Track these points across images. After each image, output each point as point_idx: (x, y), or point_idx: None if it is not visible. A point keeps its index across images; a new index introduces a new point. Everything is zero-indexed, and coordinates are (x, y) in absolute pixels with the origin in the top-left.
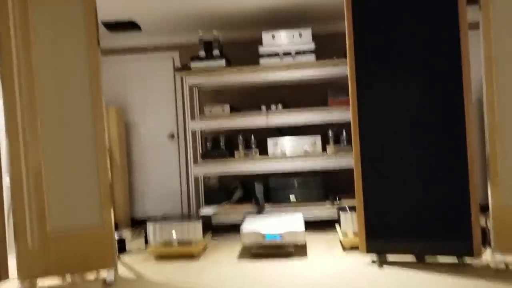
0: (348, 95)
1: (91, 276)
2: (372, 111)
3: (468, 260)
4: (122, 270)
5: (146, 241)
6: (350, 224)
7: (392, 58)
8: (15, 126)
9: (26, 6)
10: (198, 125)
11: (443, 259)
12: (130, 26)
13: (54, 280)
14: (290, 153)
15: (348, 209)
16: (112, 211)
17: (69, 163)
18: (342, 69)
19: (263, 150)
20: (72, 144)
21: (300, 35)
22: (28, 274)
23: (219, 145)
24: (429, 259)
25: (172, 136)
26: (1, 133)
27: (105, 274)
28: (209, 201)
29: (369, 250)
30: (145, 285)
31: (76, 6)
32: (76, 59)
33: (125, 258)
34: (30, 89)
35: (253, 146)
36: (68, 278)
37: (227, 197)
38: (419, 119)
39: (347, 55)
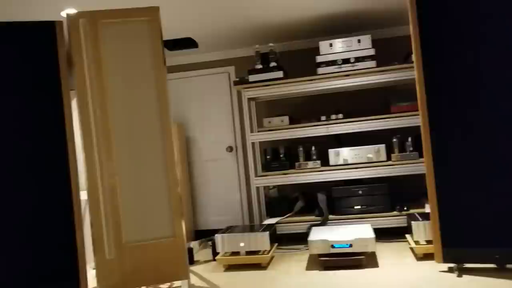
0: (411, 100)
1: (164, 286)
2: (444, 115)
3: None
4: (193, 280)
5: (214, 252)
6: (423, 232)
7: (466, 56)
8: (90, 143)
9: (96, 28)
10: (258, 137)
11: None
12: (188, 43)
13: None
14: (353, 162)
15: (419, 217)
16: (183, 222)
17: (141, 177)
18: (405, 74)
19: (324, 161)
20: (143, 159)
21: (359, 41)
22: (106, 286)
23: (279, 157)
24: (510, 265)
25: (230, 149)
26: (78, 150)
27: (178, 283)
28: (270, 212)
29: (445, 259)
30: None
31: (142, 26)
32: (144, 77)
33: (194, 268)
34: (103, 107)
35: (314, 156)
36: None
37: (288, 207)
38: (500, 122)
39: (414, 58)
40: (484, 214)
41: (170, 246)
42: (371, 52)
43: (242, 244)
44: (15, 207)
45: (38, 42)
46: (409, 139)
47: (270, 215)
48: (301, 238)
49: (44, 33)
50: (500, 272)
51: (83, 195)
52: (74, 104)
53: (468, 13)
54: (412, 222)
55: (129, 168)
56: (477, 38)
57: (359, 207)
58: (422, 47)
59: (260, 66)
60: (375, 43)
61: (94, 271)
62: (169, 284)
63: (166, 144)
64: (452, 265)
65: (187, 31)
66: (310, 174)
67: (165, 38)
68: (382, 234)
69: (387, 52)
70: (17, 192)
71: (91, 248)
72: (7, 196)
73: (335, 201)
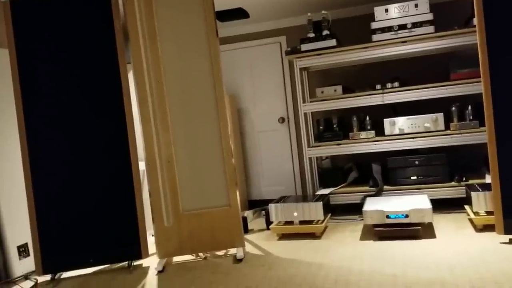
0: (472, 67)
1: (220, 253)
2: (507, 82)
3: None
4: (247, 247)
5: (268, 221)
6: (483, 203)
7: None
8: (147, 115)
9: (150, 0)
10: (310, 107)
11: None
12: (238, 13)
13: (188, 257)
14: (409, 131)
15: (478, 188)
16: (237, 191)
17: (196, 147)
18: (466, 39)
19: (379, 130)
20: (198, 129)
21: (416, 6)
22: (165, 252)
23: (332, 127)
24: None
25: (282, 120)
26: (136, 122)
27: (234, 251)
28: (323, 183)
29: (507, 230)
30: (274, 261)
31: None
32: (197, 49)
33: (248, 236)
34: (158, 79)
35: (368, 126)
36: (201, 254)
37: (341, 178)
38: None
39: (477, 21)
40: None
41: (226, 214)
42: (429, 17)
43: (295, 214)
44: (81, 178)
45: (94, 15)
46: (469, 107)
47: (323, 185)
48: (355, 209)
49: (100, 6)
50: None
51: (142, 166)
52: (130, 76)
53: None
54: (472, 192)
55: (184, 139)
56: None
57: (415, 177)
58: (484, 10)
59: (312, 35)
60: (433, 7)
61: (153, 238)
62: (224, 251)
63: (220, 115)
64: None
65: (238, 1)
66: (364, 144)
67: (217, 9)
68: (440, 205)
69: (446, 16)
70: (81, 163)
71: (150, 215)
72: (68, 167)
73: (390, 171)
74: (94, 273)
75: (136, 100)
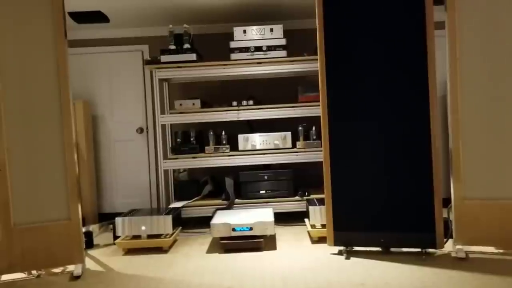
0: (317, 91)
1: (57, 270)
2: (340, 107)
3: (430, 250)
4: (89, 264)
5: (114, 235)
6: (319, 217)
7: (359, 55)
8: None
9: None
10: (168, 119)
11: (407, 248)
12: (98, 17)
13: (20, 275)
14: (260, 148)
15: (316, 203)
16: (79, 204)
17: (34, 155)
18: (313, 65)
19: (234, 145)
20: (38, 136)
21: (272, 30)
22: None
23: (190, 140)
24: (393, 249)
25: (141, 130)
26: None
27: (72, 268)
28: (178, 196)
29: (336, 242)
30: (113, 277)
31: None
32: (42, 50)
33: (92, 252)
34: None
35: (224, 141)
36: (34, 272)
37: (197, 191)
38: (385, 115)
39: (318, 52)
40: (371, 201)
41: (65, 229)
42: (283, 42)
43: (143, 228)
44: None
45: None
46: (313, 128)
47: (179, 198)
48: (208, 222)
49: None
50: (384, 255)
51: None
52: None
53: (364, 15)
54: (310, 206)
55: (21, 145)
56: (364, 38)
57: (264, 191)
58: (325, 41)
59: (173, 47)
60: (287, 34)
61: None
62: (62, 268)
63: (64, 121)
64: (342, 248)
65: (96, 4)
66: (219, 158)
67: (73, 10)
68: (287, 218)
69: (300, 43)
70: None
71: None
72: None
73: (242, 185)
74: None
75: None
